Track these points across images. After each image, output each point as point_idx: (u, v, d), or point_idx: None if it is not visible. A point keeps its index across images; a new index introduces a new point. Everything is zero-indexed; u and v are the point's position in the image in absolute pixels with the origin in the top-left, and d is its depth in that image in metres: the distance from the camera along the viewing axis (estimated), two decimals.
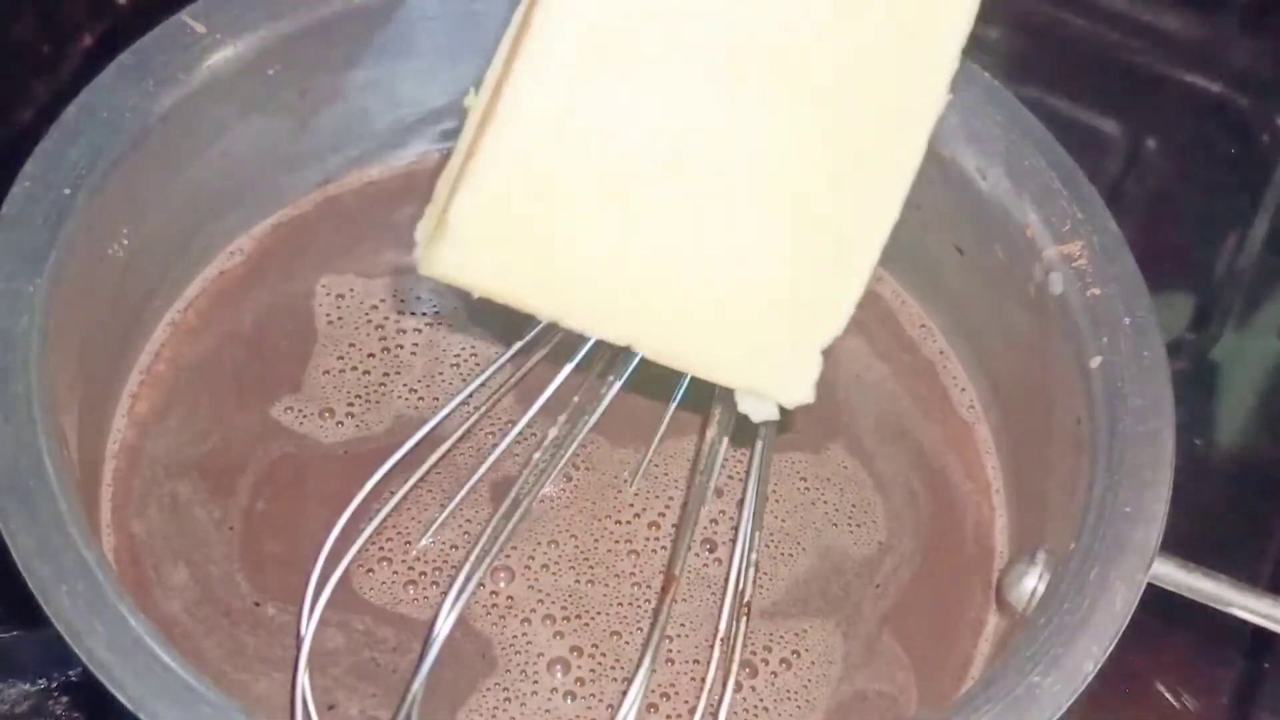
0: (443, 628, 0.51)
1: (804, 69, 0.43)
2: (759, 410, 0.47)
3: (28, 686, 0.60)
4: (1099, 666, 0.49)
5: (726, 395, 0.55)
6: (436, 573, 0.56)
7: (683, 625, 0.56)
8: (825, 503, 0.60)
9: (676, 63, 0.42)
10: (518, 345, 0.58)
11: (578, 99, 0.42)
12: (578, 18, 0.42)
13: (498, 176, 0.43)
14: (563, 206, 0.43)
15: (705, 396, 0.58)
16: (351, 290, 0.63)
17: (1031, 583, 0.53)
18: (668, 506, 0.59)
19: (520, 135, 0.43)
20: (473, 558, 0.54)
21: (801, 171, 0.43)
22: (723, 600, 0.55)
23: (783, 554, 0.59)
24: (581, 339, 0.55)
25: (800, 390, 0.45)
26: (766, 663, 0.56)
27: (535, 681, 0.54)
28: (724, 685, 0.53)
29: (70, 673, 0.60)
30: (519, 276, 0.44)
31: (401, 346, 0.61)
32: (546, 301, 0.44)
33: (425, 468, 0.56)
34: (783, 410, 0.47)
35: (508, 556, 0.57)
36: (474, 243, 0.43)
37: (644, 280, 0.44)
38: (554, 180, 0.43)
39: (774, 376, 0.44)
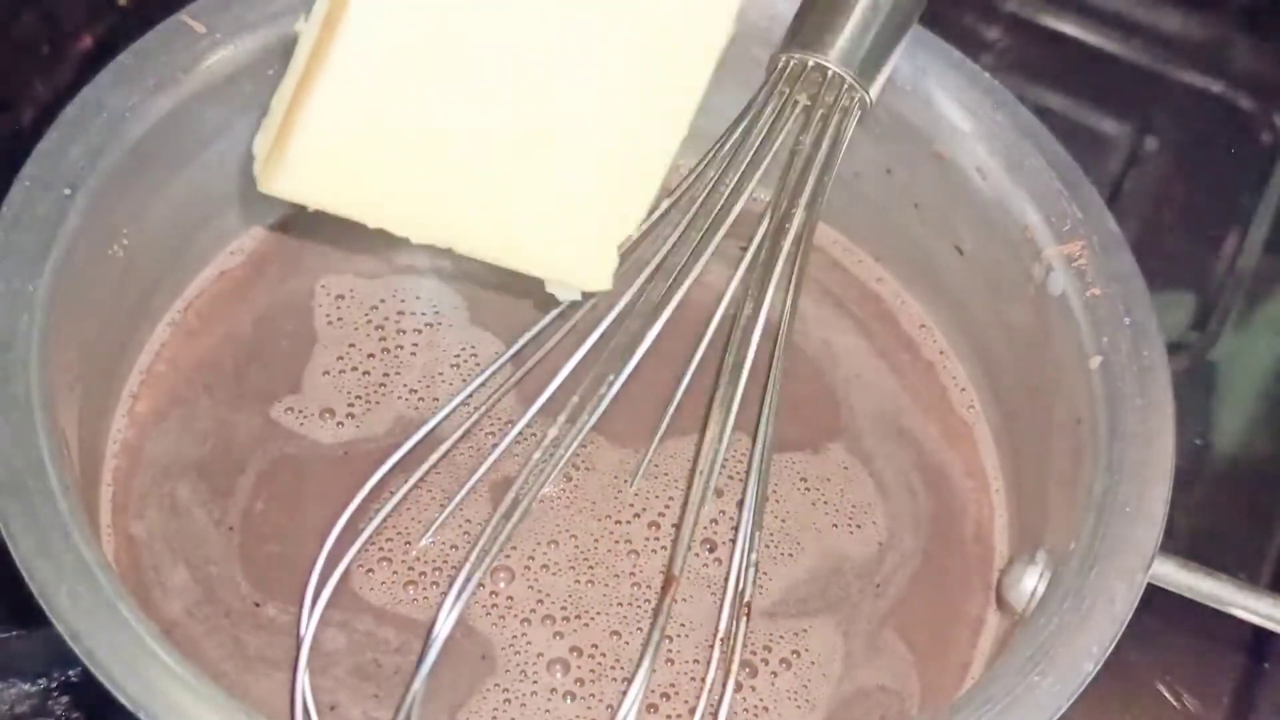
0: (442, 628, 0.51)
1: (601, 16, 0.49)
2: (565, 293, 0.54)
3: (28, 686, 0.60)
4: (1099, 666, 0.49)
5: (726, 396, 0.55)
6: (436, 573, 0.56)
7: (683, 625, 0.56)
8: (825, 503, 0.60)
9: (493, 3, 0.48)
10: (518, 345, 0.58)
11: (402, 39, 0.48)
12: None
13: (330, 107, 0.48)
14: (390, 130, 0.49)
15: (705, 396, 0.58)
16: (351, 290, 0.63)
17: (1031, 583, 0.53)
18: (668, 506, 0.59)
19: (350, 69, 0.48)
20: (473, 558, 0.54)
21: (599, 102, 0.50)
22: (723, 600, 0.55)
23: (783, 554, 0.59)
24: (582, 339, 0.55)
25: (600, 279, 0.52)
26: (766, 663, 0.56)
27: (535, 682, 0.54)
28: (724, 685, 0.53)
29: (70, 673, 0.60)
30: (352, 193, 0.50)
31: (401, 347, 0.61)
32: (376, 214, 0.50)
33: (425, 468, 0.56)
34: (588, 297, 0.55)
35: (508, 557, 0.57)
36: (310, 166, 0.49)
37: (465, 193, 0.50)
38: (382, 107, 0.48)
39: (579, 269, 0.52)
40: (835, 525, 0.60)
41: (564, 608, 0.56)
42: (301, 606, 0.53)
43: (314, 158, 0.49)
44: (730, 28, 0.51)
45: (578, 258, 0.51)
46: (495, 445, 0.57)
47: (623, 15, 0.49)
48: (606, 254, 0.52)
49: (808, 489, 0.60)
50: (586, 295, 0.54)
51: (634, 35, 0.49)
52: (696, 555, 0.58)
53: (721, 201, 0.56)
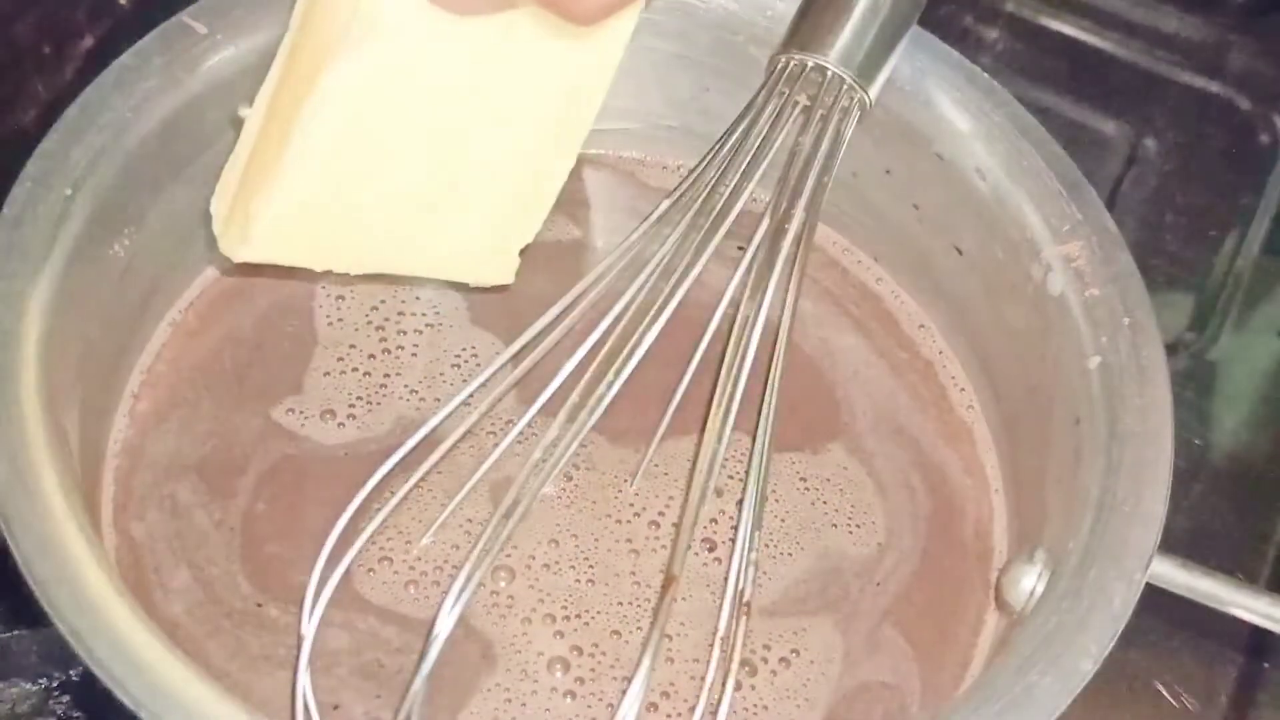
0: (443, 627, 0.51)
1: (507, 72, 0.56)
2: (474, 283, 0.62)
3: (28, 686, 0.60)
4: (1098, 666, 0.49)
5: (726, 396, 0.55)
6: (438, 572, 0.56)
7: (683, 625, 0.56)
8: (825, 503, 0.60)
9: (421, 90, 0.54)
10: (517, 345, 0.58)
11: (352, 121, 0.54)
12: (353, 86, 0.53)
13: (289, 194, 0.54)
14: (337, 195, 0.55)
15: (705, 396, 0.58)
16: (351, 291, 0.63)
17: (1030, 582, 0.53)
18: (668, 506, 0.59)
19: (309, 157, 0.54)
20: (473, 557, 0.54)
21: (506, 140, 0.57)
22: (722, 599, 0.55)
23: (783, 554, 0.59)
24: (582, 338, 0.55)
25: (505, 277, 0.61)
26: (766, 661, 0.56)
27: (535, 681, 0.54)
28: (724, 684, 0.53)
29: (70, 673, 0.60)
30: (304, 250, 0.57)
31: (402, 347, 0.62)
32: (322, 260, 0.58)
33: (426, 468, 0.56)
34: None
35: (508, 556, 0.57)
36: (272, 237, 0.55)
37: (393, 227, 0.58)
38: (333, 182, 0.55)
39: (490, 271, 0.61)
40: (835, 525, 0.60)
41: (565, 607, 0.56)
42: (303, 606, 0.53)
43: (275, 231, 0.55)
44: (603, 95, 0.57)
45: (484, 263, 0.61)
46: (496, 445, 0.57)
47: (523, 70, 0.55)
48: (510, 256, 0.60)
49: (807, 489, 0.60)
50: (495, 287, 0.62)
51: (533, 86, 0.56)
52: (696, 555, 0.58)
53: (721, 202, 0.56)
